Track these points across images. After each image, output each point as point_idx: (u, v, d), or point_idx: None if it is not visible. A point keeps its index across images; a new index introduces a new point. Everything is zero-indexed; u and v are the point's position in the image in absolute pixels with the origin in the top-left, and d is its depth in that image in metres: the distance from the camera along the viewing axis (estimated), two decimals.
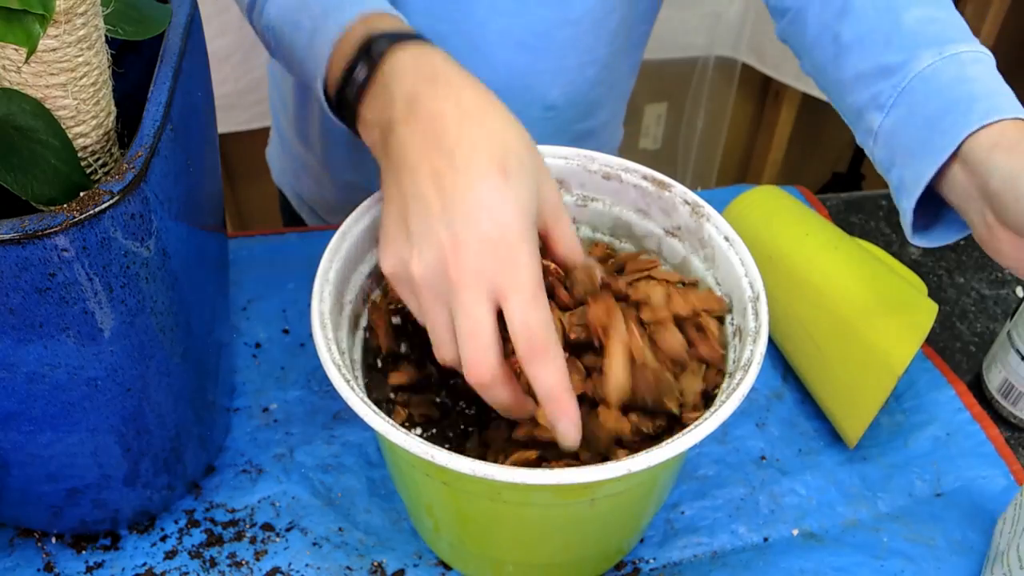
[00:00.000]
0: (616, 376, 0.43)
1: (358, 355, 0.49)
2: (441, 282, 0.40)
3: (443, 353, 0.43)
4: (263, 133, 1.36)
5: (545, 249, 0.46)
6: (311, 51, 0.50)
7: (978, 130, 0.46)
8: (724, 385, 0.45)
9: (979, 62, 0.50)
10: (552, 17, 0.66)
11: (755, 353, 0.44)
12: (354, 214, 0.49)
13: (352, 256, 0.49)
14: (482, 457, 0.44)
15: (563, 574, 0.52)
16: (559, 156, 0.54)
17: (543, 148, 0.53)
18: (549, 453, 0.44)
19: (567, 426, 0.41)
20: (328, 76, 0.49)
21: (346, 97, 0.47)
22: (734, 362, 0.46)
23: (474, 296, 0.39)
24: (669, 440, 0.39)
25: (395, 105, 0.43)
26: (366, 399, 0.41)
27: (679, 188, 0.52)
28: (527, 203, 0.41)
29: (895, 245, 0.78)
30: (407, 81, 0.43)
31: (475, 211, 0.39)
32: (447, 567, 0.53)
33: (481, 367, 0.40)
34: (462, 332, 0.40)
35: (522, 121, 0.44)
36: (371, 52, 0.45)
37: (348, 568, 0.52)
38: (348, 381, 0.41)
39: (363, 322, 0.51)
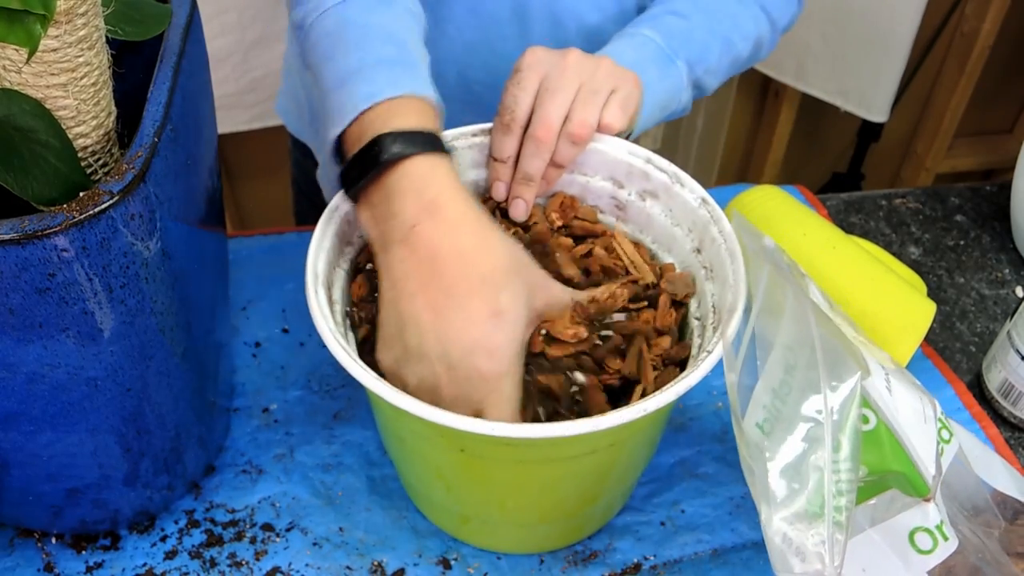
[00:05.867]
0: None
1: (352, 344, 0.50)
2: (431, 395, 0.45)
3: None
4: (263, 133, 1.36)
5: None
6: (339, 95, 0.50)
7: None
8: (711, 335, 0.47)
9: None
10: None
11: (737, 297, 0.46)
12: (324, 215, 0.51)
13: (339, 238, 0.51)
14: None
15: (557, 531, 0.53)
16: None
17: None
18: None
19: None
20: (345, 136, 0.49)
21: (351, 174, 0.48)
22: (715, 311, 0.49)
23: (460, 411, 0.43)
24: (668, 386, 0.42)
25: (395, 225, 0.46)
26: (356, 356, 0.43)
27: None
28: (519, 335, 0.45)
29: (895, 245, 0.78)
30: (409, 205, 0.46)
31: (471, 350, 0.44)
32: (447, 566, 0.53)
33: None
34: None
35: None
36: (380, 156, 0.46)
37: (348, 568, 0.52)
38: (336, 337, 0.44)
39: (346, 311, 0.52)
